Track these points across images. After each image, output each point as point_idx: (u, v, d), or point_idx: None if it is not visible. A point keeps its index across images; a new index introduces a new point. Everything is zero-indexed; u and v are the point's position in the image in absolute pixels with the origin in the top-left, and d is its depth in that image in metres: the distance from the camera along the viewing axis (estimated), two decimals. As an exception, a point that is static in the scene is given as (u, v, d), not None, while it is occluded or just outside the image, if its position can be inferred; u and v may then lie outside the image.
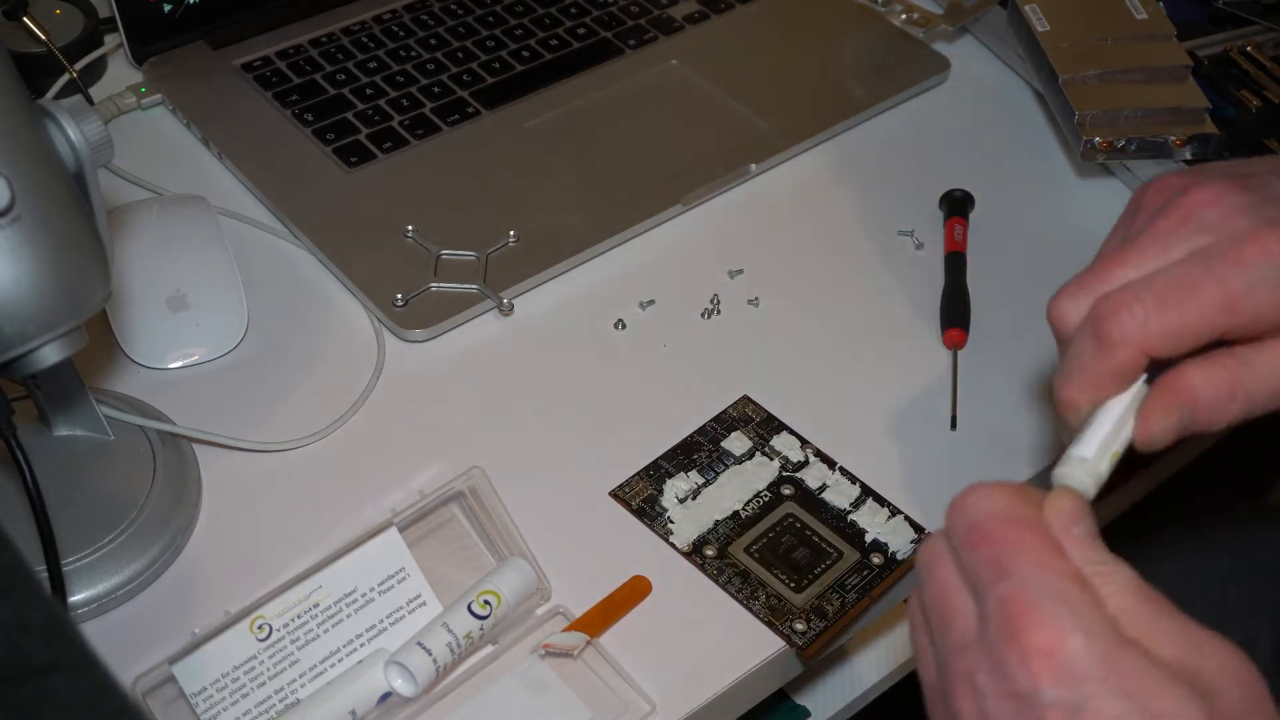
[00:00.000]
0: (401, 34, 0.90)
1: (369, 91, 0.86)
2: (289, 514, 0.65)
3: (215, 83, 0.86)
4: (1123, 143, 0.79)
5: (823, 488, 0.67)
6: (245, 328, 0.72)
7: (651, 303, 0.76)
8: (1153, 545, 0.81)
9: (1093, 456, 0.46)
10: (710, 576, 0.63)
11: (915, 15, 0.91)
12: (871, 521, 0.66)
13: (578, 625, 0.60)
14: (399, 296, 0.73)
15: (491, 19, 0.92)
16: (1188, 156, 0.80)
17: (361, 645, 0.59)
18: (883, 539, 0.65)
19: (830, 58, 0.92)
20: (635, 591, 0.62)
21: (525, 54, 0.90)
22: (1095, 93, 0.81)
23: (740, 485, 0.67)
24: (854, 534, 0.65)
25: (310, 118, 0.84)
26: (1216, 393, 0.47)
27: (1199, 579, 0.80)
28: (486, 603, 0.59)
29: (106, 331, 0.70)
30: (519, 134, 0.84)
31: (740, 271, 0.78)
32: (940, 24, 0.91)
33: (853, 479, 0.68)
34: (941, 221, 0.81)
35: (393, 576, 0.60)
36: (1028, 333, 0.75)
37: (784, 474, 0.68)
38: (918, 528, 0.66)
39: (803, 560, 0.64)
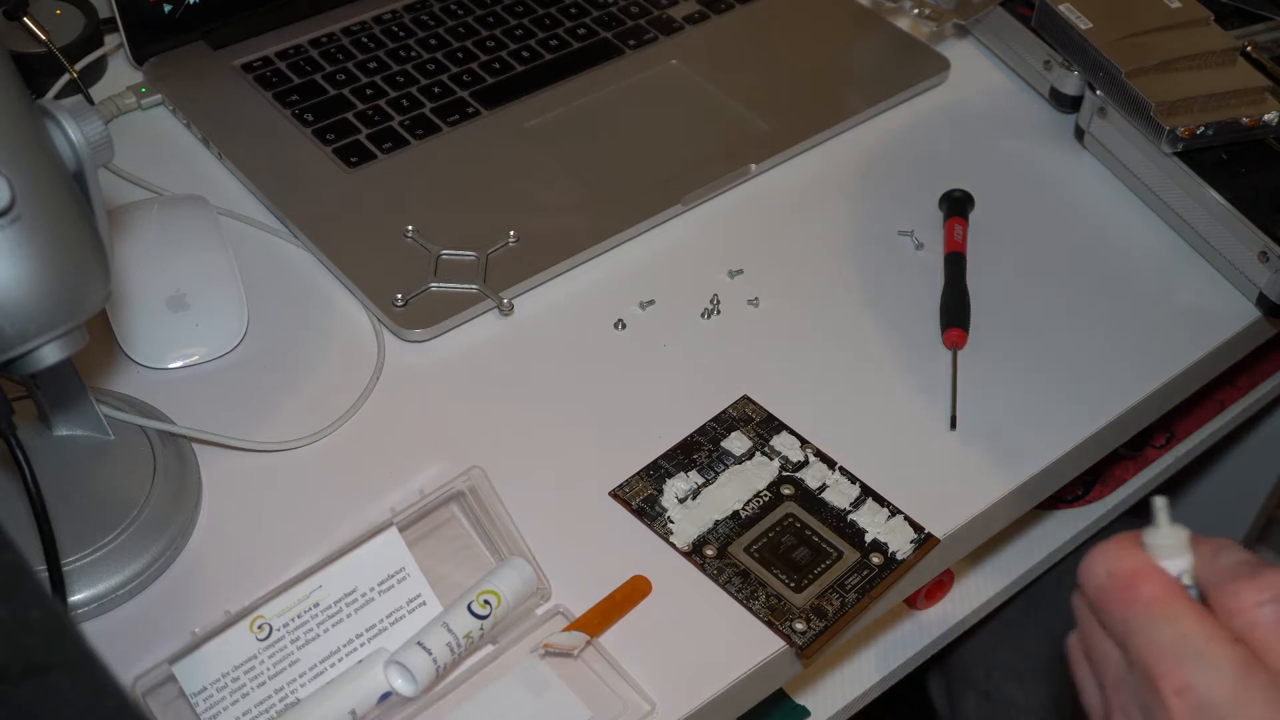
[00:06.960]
0: (401, 34, 0.90)
1: (369, 92, 0.86)
2: (289, 514, 0.65)
3: (215, 83, 0.86)
4: (1201, 128, 0.79)
5: (823, 487, 0.67)
6: (245, 328, 0.72)
7: (651, 303, 0.76)
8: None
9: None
10: (710, 576, 0.63)
11: (927, 10, 0.91)
12: (871, 521, 0.66)
13: (578, 625, 0.60)
14: (399, 296, 0.73)
15: (491, 19, 0.92)
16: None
17: (361, 645, 0.59)
18: (882, 539, 0.65)
19: (830, 57, 0.92)
20: (635, 591, 0.62)
21: (525, 54, 0.90)
22: (1160, 83, 0.81)
23: (740, 485, 0.67)
24: (854, 534, 0.65)
25: (310, 118, 0.84)
26: None
27: None
28: (486, 602, 0.59)
29: (106, 331, 0.70)
30: (519, 134, 0.84)
31: (740, 271, 0.78)
32: (952, 18, 0.91)
33: (853, 479, 0.68)
34: (941, 221, 0.81)
35: (393, 576, 0.60)
36: (1028, 333, 0.76)
37: (784, 474, 0.68)
38: (917, 528, 0.66)
39: (803, 560, 0.64)
